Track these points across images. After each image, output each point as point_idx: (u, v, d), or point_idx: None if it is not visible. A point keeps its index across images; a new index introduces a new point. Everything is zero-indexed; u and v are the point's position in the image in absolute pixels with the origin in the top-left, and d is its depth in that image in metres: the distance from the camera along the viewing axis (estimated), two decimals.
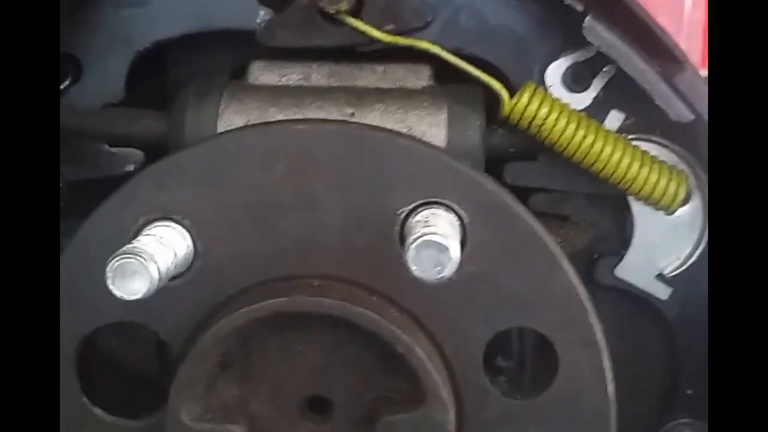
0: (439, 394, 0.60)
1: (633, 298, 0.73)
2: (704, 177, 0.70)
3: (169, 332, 0.63)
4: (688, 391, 0.73)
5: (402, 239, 0.60)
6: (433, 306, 0.61)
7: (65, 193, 0.70)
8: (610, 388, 0.63)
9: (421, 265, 0.55)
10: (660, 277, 0.72)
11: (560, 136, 0.67)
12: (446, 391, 0.61)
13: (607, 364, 0.63)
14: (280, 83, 0.71)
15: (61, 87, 0.72)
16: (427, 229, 0.56)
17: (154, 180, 0.62)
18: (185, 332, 0.63)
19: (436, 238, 0.55)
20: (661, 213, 0.71)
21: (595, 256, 0.73)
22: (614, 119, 0.70)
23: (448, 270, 0.55)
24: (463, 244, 0.60)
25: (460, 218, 0.61)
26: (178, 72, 0.76)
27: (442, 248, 0.55)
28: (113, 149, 0.72)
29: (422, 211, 0.60)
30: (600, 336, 0.62)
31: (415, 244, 0.55)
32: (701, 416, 0.72)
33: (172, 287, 0.61)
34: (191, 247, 0.61)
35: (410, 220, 0.60)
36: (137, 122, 0.71)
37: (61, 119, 0.72)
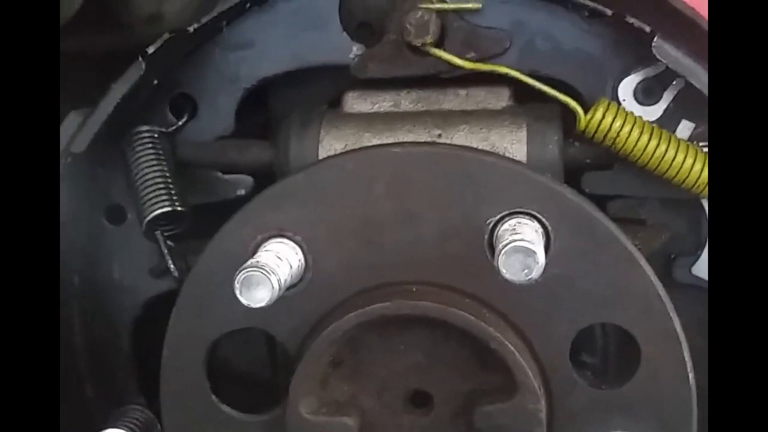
0: (530, 385, 0.66)
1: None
2: None
3: (286, 336, 0.71)
4: None
5: (491, 247, 0.66)
6: (521, 306, 0.67)
7: (188, 216, 0.78)
8: (691, 376, 0.67)
9: (510, 269, 0.61)
10: None
11: (634, 147, 0.72)
12: (537, 383, 0.66)
13: (686, 354, 0.67)
14: (372, 110, 0.79)
15: (180, 123, 0.81)
16: (515, 236, 0.62)
17: (269, 202, 0.69)
18: (300, 336, 0.70)
19: (524, 243, 0.61)
20: None
21: (672, 256, 0.77)
22: (685, 128, 0.75)
23: (535, 273, 0.61)
24: (546, 249, 0.66)
25: (543, 225, 0.66)
26: (280, 104, 0.84)
27: (530, 253, 0.61)
28: (226, 176, 0.81)
29: (509, 220, 0.66)
30: (679, 329, 0.67)
31: (505, 249, 0.61)
32: None
33: (287, 297, 0.68)
34: (303, 261, 0.69)
35: (498, 228, 0.66)
36: (246, 151, 0.80)
37: (179, 152, 0.81)
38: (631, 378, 0.68)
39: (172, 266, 0.77)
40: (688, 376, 0.67)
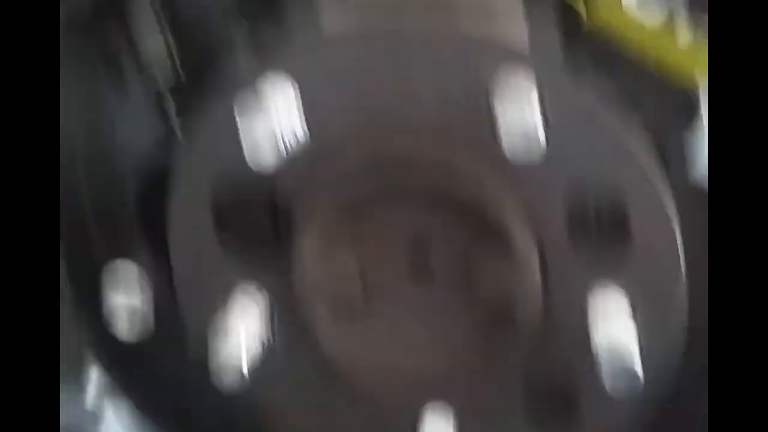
0: (524, 248, 0.68)
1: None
2: None
3: (291, 198, 0.72)
4: None
5: (492, 122, 0.67)
6: (516, 177, 0.69)
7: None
8: (679, 241, 0.70)
9: (512, 147, 0.64)
10: None
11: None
12: (531, 246, 0.69)
13: (674, 217, 0.69)
14: None
15: None
16: (516, 112, 0.64)
17: (274, 60, 0.70)
18: (307, 202, 0.72)
19: (526, 122, 0.63)
20: None
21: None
22: None
23: (535, 152, 0.64)
24: (547, 123, 0.67)
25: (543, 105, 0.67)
26: None
27: (531, 134, 0.63)
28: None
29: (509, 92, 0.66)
30: (665, 196, 0.69)
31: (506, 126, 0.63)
32: None
33: (291, 168, 0.70)
34: (306, 124, 0.69)
35: (498, 103, 0.66)
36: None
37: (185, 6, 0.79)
38: (621, 241, 0.70)
39: (177, 127, 0.79)
40: (675, 242, 0.70)
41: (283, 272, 0.74)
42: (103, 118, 0.84)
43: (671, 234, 0.70)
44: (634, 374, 0.65)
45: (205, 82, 0.77)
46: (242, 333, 0.74)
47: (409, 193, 0.70)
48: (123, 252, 0.86)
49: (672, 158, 0.75)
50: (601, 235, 0.73)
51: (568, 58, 0.73)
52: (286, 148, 0.69)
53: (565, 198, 0.69)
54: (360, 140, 0.70)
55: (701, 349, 0.64)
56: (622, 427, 0.74)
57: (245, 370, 0.72)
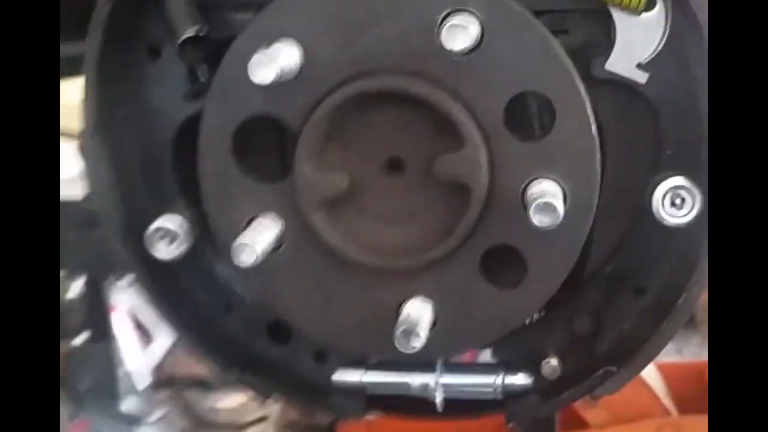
0: (473, 139, 0.88)
1: (623, 87, 0.98)
2: None
3: (291, 119, 0.93)
4: (669, 152, 0.99)
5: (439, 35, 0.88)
6: (464, 82, 0.89)
7: (210, 42, 1.00)
8: (593, 129, 0.89)
9: (451, 42, 0.84)
10: (639, 66, 0.98)
11: None
12: (479, 137, 0.89)
13: (589, 112, 0.89)
14: None
15: None
16: (455, 20, 0.85)
17: (272, 14, 0.92)
18: (301, 117, 0.92)
19: (459, 21, 0.84)
20: (634, 17, 0.97)
21: (589, 59, 0.98)
22: None
23: (470, 44, 0.84)
24: (481, 37, 0.87)
25: (478, 19, 0.88)
26: None
27: (464, 29, 0.84)
28: (236, 15, 1.01)
29: (454, 15, 0.88)
30: (583, 92, 0.89)
31: (447, 25, 0.84)
32: (682, 171, 0.94)
33: (289, 87, 0.91)
34: (300, 57, 0.91)
35: (446, 21, 0.87)
36: None
37: None
38: (549, 133, 0.90)
39: (202, 77, 1.00)
40: (591, 129, 0.89)
41: (288, 193, 0.94)
42: (142, 85, 1.05)
43: (588, 127, 0.90)
44: (554, 209, 0.84)
45: (224, 49, 0.99)
46: (259, 230, 0.94)
47: (382, 99, 0.90)
48: (165, 200, 1.07)
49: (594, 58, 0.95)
50: (533, 129, 0.93)
51: None
52: (287, 81, 0.90)
53: (504, 97, 0.90)
54: (342, 65, 0.91)
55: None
56: (560, 265, 0.92)
57: (259, 251, 0.91)
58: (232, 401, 3.92)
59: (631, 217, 1.00)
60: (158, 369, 4.17)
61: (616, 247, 1.02)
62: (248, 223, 0.95)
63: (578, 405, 2.93)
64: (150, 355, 4.22)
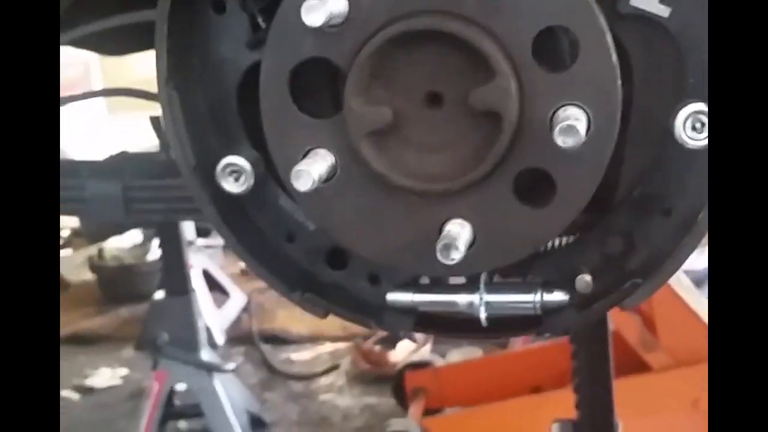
0: (504, 70, 0.97)
1: (647, 22, 1.06)
2: None
3: (340, 59, 1.03)
4: (691, 80, 1.06)
5: None
6: (494, 17, 0.98)
7: None
8: (613, 58, 0.97)
9: None
10: (661, 1, 1.05)
11: None
12: (509, 69, 0.98)
13: (610, 44, 0.97)
14: None
15: None
16: None
17: None
18: (349, 57, 1.02)
19: None
20: None
21: None
22: None
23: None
24: None
25: None
26: None
27: None
28: None
29: None
30: (604, 26, 0.97)
31: None
32: (701, 97, 1.01)
33: (337, 31, 1.01)
34: (346, 2, 1.01)
35: None
36: None
37: None
38: (574, 63, 0.98)
39: (263, 24, 1.11)
40: (611, 58, 0.97)
41: (340, 127, 1.05)
42: (209, 37, 1.17)
43: (609, 57, 0.98)
44: (576, 131, 0.93)
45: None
46: (314, 159, 1.05)
47: (421, 39, 1.00)
48: (232, 141, 1.19)
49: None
50: (559, 60, 1.02)
51: None
52: (336, 25, 1.01)
53: (532, 32, 0.98)
54: (384, 8, 1.01)
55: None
56: (586, 185, 1.01)
57: (315, 176, 1.02)
58: (306, 353, 4.11)
59: (658, 143, 1.08)
60: (235, 324, 4.39)
61: (644, 172, 1.10)
62: (305, 155, 1.06)
63: (640, 348, 3.01)
64: (227, 311, 4.44)
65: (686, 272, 3.25)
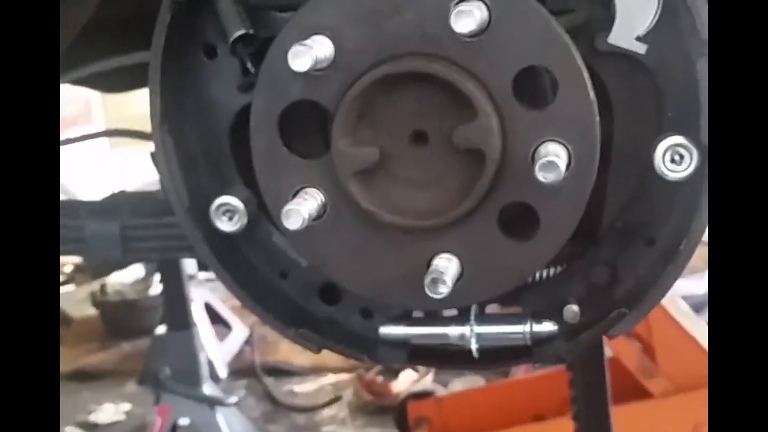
0: (486, 109, 1.01)
1: (625, 59, 1.09)
2: None
3: (327, 101, 1.07)
4: (670, 114, 1.09)
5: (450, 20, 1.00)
6: (474, 58, 1.01)
7: (258, 41, 1.15)
8: (591, 95, 1.01)
9: (460, 26, 0.97)
10: (638, 38, 1.08)
11: None
12: (490, 108, 1.01)
13: (587, 81, 1.00)
14: None
15: None
16: (462, 6, 0.97)
17: (308, 12, 1.05)
18: (336, 99, 1.06)
19: (466, 8, 0.96)
20: None
21: (594, 35, 1.09)
22: None
23: (477, 27, 0.96)
24: (488, 19, 1.00)
25: (487, 6, 1.00)
26: None
27: (470, 14, 0.96)
28: (282, 14, 1.17)
29: (463, 2, 1.00)
30: (580, 63, 1.00)
31: (455, 11, 0.96)
32: (682, 131, 1.04)
33: (324, 74, 1.05)
34: (332, 48, 1.04)
35: (456, 8, 1.00)
36: None
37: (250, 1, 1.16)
38: (554, 101, 1.01)
39: (252, 69, 1.14)
40: (589, 95, 1.01)
41: (328, 167, 1.08)
42: (201, 81, 1.21)
43: (587, 95, 1.01)
44: (556, 166, 0.96)
45: (268, 44, 1.13)
46: (304, 198, 1.08)
47: (405, 80, 1.03)
48: (225, 181, 1.22)
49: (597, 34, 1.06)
50: (540, 98, 1.05)
51: None
52: (322, 69, 1.04)
53: (511, 72, 1.01)
54: (369, 52, 1.04)
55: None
56: (569, 218, 1.03)
57: (305, 215, 1.05)
58: (309, 385, 4.12)
59: (639, 175, 1.11)
60: (237, 356, 4.40)
61: (626, 203, 1.13)
62: (295, 194, 1.09)
63: (640, 375, 3.01)
64: (229, 344, 4.45)
65: (685, 298, 3.27)
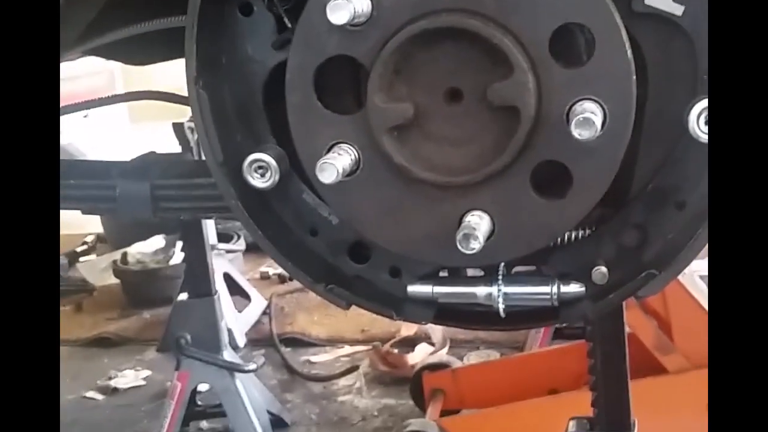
0: (522, 66, 1.01)
1: (661, 20, 1.09)
2: None
3: (363, 57, 1.07)
4: (705, 77, 1.09)
5: None
6: (512, 15, 1.01)
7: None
8: (628, 54, 1.01)
9: None
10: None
11: None
12: (527, 65, 1.01)
13: (625, 40, 1.00)
14: None
15: None
16: None
17: None
18: (372, 55, 1.06)
19: None
20: None
21: None
22: None
23: None
24: None
25: None
26: None
27: None
28: None
29: None
30: (619, 23, 1.00)
31: None
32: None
33: (361, 30, 1.05)
34: (370, 1, 1.05)
35: None
36: None
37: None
38: (590, 59, 1.02)
39: (289, 24, 1.15)
40: (626, 54, 1.01)
41: (363, 123, 1.09)
42: (236, 39, 1.22)
43: (624, 53, 1.01)
44: (592, 123, 0.96)
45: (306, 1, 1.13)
46: (338, 153, 1.09)
47: (441, 36, 1.04)
48: (258, 138, 1.23)
49: None
50: (575, 57, 1.05)
51: None
52: (360, 24, 1.05)
53: (549, 29, 1.02)
54: (406, 7, 1.05)
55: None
56: (602, 177, 1.04)
57: (339, 169, 1.06)
58: (325, 356, 4.15)
59: (672, 137, 1.11)
60: (255, 327, 4.43)
61: (659, 165, 1.13)
62: (329, 149, 1.10)
63: (656, 351, 3.02)
64: (247, 315, 4.48)
65: (702, 277, 3.26)
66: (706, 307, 2.97)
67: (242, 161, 1.19)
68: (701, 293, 3.09)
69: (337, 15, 1.00)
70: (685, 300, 2.98)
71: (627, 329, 2.30)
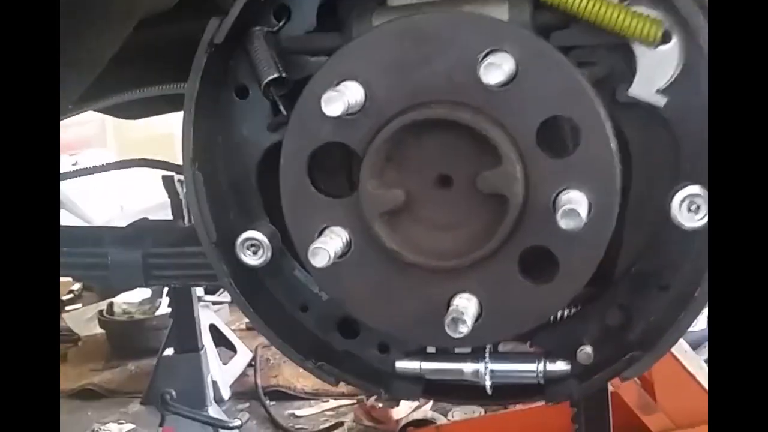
0: (510, 156, 1.04)
1: (645, 110, 1.13)
2: (678, 21, 1.09)
3: (356, 144, 1.11)
4: (687, 164, 1.13)
5: (478, 71, 1.04)
6: (503, 110, 1.05)
7: (290, 83, 1.19)
8: (613, 146, 1.04)
9: (488, 77, 1.01)
10: (658, 91, 1.12)
11: (584, 10, 1.09)
12: (515, 155, 1.05)
13: (609, 132, 1.04)
14: (411, 2, 1.16)
15: (280, 24, 1.20)
16: (491, 59, 1.02)
17: (341, 58, 1.10)
18: (365, 142, 1.09)
19: (495, 60, 1.01)
20: (651, 49, 1.11)
21: (614, 86, 1.12)
22: None
23: (505, 79, 1.01)
24: (516, 69, 1.04)
25: (513, 57, 1.04)
26: (346, 6, 1.22)
27: (500, 66, 1.00)
28: (312, 58, 1.21)
29: (491, 54, 1.04)
30: (604, 116, 1.04)
31: (485, 63, 1.00)
32: (697, 180, 1.06)
33: (354, 119, 1.09)
34: (363, 93, 1.08)
35: (485, 60, 1.04)
36: (325, 40, 1.20)
37: (282, 44, 1.21)
38: (576, 148, 1.05)
39: (283, 111, 1.19)
40: (610, 145, 1.04)
41: (355, 207, 1.12)
42: (232, 120, 1.25)
43: (608, 145, 1.05)
44: (578, 214, 0.99)
45: (301, 87, 1.16)
46: (330, 237, 1.12)
47: (432, 126, 1.07)
48: (251, 216, 1.25)
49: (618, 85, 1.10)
50: (561, 147, 1.09)
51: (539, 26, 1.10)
52: (353, 113, 1.08)
53: (536, 121, 1.05)
54: (398, 99, 1.08)
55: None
56: (587, 263, 1.07)
57: (331, 253, 1.09)
58: (310, 409, 4.12)
59: (656, 223, 1.14)
60: (240, 379, 4.41)
61: (642, 249, 1.16)
62: (321, 232, 1.13)
63: (639, 411, 3.03)
64: (233, 367, 4.46)
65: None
66: (689, 367, 2.99)
67: (235, 239, 1.21)
68: (683, 353, 3.10)
69: (332, 107, 1.04)
70: (667, 359, 3.00)
71: (610, 388, 2.31)
